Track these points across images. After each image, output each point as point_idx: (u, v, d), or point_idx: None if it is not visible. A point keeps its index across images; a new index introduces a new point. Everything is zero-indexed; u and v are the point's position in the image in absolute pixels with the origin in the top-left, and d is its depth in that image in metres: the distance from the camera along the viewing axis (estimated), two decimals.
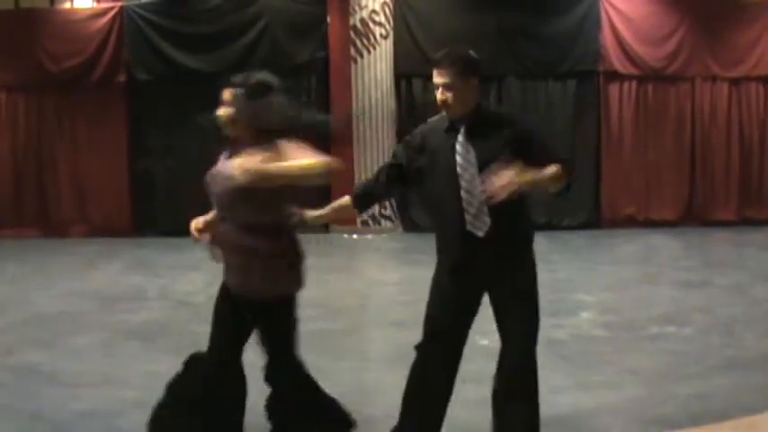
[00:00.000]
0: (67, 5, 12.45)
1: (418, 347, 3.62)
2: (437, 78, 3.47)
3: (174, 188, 11.75)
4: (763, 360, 5.38)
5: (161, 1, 12.04)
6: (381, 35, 11.85)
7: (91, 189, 12.37)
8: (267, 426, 3.72)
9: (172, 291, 8.17)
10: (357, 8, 11.75)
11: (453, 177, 3.46)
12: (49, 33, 12.17)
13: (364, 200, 3.80)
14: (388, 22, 11.92)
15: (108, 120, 12.30)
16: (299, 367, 3.66)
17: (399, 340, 5.81)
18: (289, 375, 3.62)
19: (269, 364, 3.60)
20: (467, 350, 3.64)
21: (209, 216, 3.68)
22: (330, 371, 5.20)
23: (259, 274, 3.42)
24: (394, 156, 3.74)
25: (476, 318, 3.62)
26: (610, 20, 12.22)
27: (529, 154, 3.36)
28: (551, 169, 3.35)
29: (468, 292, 3.57)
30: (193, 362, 3.64)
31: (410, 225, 12.00)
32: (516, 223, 3.52)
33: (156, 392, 3.66)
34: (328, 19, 12.03)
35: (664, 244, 11.11)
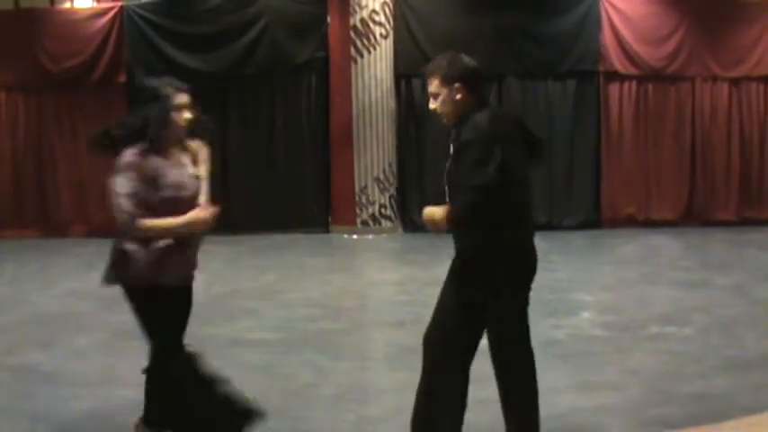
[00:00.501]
0: (67, 5, 12.44)
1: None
2: (428, 88, 3.56)
3: None
4: (763, 360, 5.38)
5: (161, 1, 12.03)
6: (381, 35, 11.84)
7: (91, 189, 12.34)
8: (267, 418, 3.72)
9: None
10: (357, 8, 11.74)
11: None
12: (48, 33, 12.16)
13: None
14: (388, 22, 11.91)
15: (108, 120, 12.14)
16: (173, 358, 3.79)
17: (399, 340, 5.83)
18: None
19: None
20: None
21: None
22: (330, 371, 5.21)
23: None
24: None
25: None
26: (610, 20, 12.21)
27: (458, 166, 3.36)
28: (441, 213, 3.33)
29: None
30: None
31: (410, 225, 11.99)
32: (465, 240, 3.47)
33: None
34: (328, 19, 12.02)
35: (664, 244, 11.10)
